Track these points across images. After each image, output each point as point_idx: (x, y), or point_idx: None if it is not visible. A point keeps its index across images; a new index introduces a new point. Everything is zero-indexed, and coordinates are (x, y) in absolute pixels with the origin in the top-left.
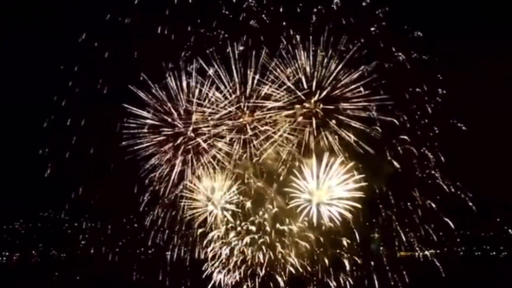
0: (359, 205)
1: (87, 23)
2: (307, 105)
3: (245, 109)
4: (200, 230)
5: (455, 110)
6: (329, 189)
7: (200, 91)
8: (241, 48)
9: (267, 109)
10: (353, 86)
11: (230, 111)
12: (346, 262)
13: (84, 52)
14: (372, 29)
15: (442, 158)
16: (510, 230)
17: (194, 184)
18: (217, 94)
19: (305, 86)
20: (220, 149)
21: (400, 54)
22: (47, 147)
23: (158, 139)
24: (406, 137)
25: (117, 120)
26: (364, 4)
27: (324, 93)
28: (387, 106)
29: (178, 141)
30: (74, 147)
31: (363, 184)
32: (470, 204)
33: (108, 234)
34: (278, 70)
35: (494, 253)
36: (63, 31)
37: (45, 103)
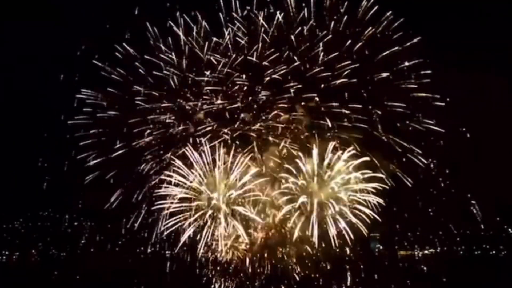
0: (374, 214)
1: (86, 33)
2: (308, 104)
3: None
4: (199, 233)
5: (454, 113)
6: (332, 191)
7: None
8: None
9: (269, 108)
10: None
11: (232, 112)
12: (347, 264)
13: (84, 62)
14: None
15: (442, 160)
16: (510, 230)
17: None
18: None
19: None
20: (220, 150)
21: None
22: (46, 157)
23: (159, 140)
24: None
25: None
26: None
27: (325, 93)
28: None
29: (179, 143)
30: (73, 159)
31: (376, 185)
32: (471, 206)
33: (107, 234)
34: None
35: (494, 252)
36: (62, 41)
37: (45, 112)
